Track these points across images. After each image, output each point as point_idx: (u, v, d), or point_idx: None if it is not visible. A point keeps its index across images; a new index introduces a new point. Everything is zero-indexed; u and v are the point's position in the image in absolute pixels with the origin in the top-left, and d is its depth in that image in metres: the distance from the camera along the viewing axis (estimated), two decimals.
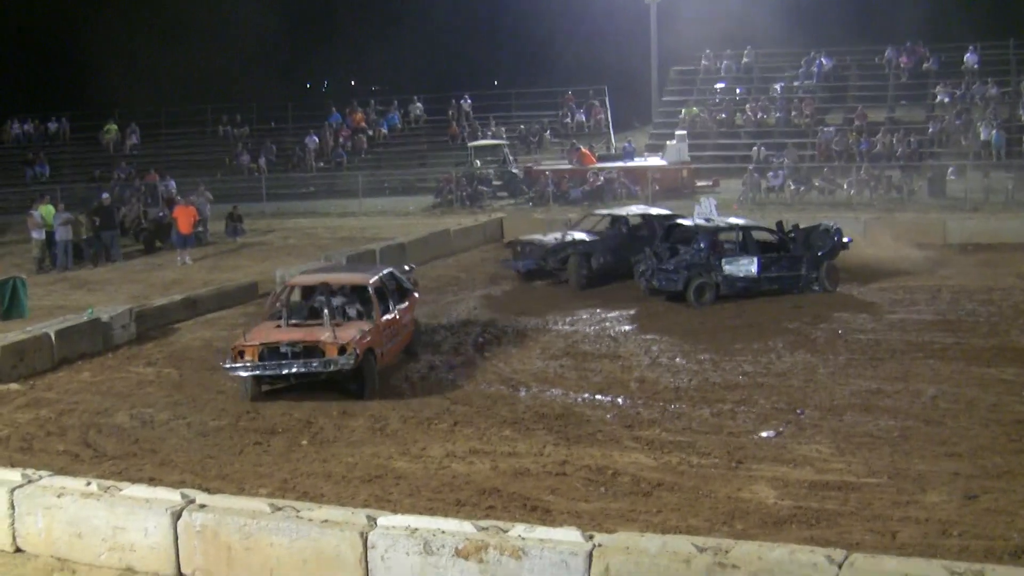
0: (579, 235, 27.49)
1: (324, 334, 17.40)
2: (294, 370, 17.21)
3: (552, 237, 27.52)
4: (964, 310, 22.37)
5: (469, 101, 54.79)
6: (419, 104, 55.55)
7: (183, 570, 10.35)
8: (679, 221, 26.26)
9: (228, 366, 17.30)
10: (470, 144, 49.27)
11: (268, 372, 17.27)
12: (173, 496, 10.73)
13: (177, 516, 10.35)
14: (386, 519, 9.94)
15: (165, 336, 22.55)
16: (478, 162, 47.05)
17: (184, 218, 34.06)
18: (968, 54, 47.18)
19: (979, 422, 14.89)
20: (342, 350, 17.06)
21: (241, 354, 17.18)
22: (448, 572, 9.35)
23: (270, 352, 17.24)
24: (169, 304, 24.39)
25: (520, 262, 27.47)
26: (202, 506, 10.47)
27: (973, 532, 11.19)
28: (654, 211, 29.34)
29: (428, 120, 55.65)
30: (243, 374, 17.28)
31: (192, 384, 18.61)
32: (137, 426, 16.17)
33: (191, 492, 10.90)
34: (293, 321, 18.19)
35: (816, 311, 22.79)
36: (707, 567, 8.67)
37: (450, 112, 54.67)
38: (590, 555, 9.01)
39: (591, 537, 9.31)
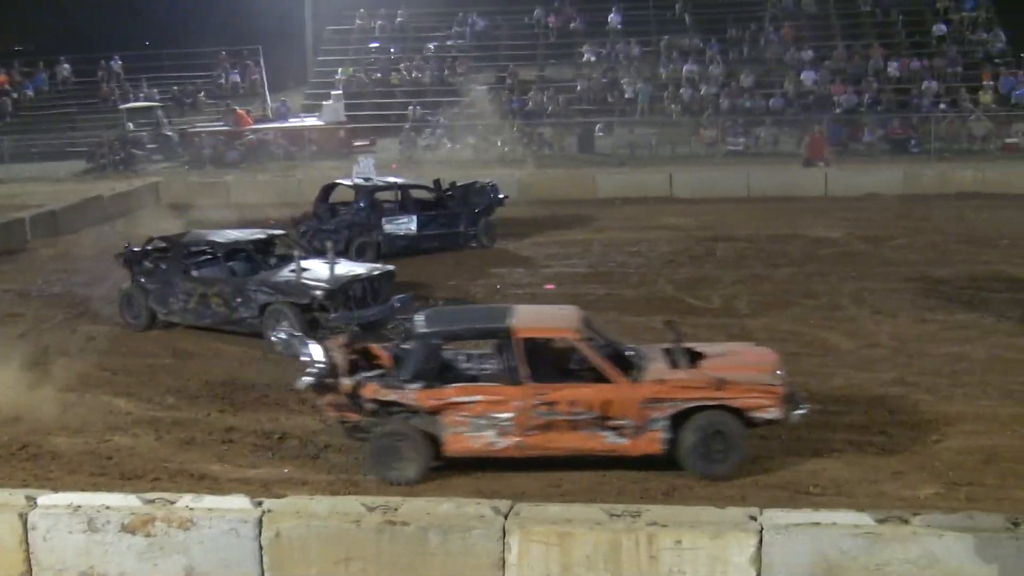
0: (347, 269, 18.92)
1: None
2: None
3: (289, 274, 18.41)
4: (614, 262, 23.37)
5: (119, 62, 52.87)
6: (66, 65, 53.17)
7: None
8: (338, 181, 26.26)
9: None
10: (122, 107, 47.78)
11: None
12: None
13: None
14: (47, 498, 9.70)
15: None
16: (131, 125, 45.71)
17: None
18: (612, 15, 48.78)
19: None
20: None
21: None
22: (115, 548, 9.23)
23: None
24: None
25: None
26: None
27: (630, 476, 11.86)
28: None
29: (77, 82, 53.40)
30: None
31: None
32: None
33: None
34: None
35: (475, 267, 23.31)
36: (377, 525, 8.89)
37: (100, 74, 52.66)
38: (260, 521, 9.09)
39: (260, 503, 9.38)
